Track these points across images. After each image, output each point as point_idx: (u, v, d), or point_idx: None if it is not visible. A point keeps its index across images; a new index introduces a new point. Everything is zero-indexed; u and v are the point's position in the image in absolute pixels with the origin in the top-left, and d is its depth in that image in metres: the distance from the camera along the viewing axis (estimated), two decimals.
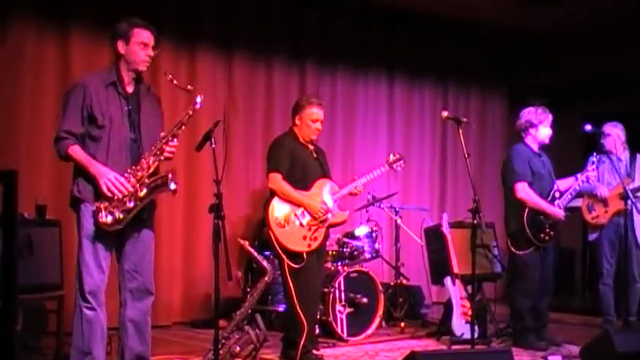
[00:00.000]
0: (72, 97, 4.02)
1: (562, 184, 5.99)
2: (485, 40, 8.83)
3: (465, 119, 5.10)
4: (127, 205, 3.93)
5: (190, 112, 4.07)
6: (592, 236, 6.78)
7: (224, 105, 7.07)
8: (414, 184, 8.37)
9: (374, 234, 6.46)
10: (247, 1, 7.20)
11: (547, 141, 5.93)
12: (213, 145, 3.96)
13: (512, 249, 5.84)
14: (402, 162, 5.60)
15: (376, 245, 6.45)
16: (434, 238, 6.58)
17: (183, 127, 4.08)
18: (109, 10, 6.09)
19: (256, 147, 7.26)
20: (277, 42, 7.43)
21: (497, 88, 9.13)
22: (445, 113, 5.22)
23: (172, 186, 3.93)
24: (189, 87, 4.16)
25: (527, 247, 5.77)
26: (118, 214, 3.92)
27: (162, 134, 4.08)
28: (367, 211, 6.71)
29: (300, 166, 5.12)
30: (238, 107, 7.21)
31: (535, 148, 5.91)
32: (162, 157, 4.02)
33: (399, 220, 6.83)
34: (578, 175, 6.02)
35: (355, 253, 6.32)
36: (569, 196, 5.88)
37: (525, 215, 5.72)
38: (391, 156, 5.62)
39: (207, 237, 6.66)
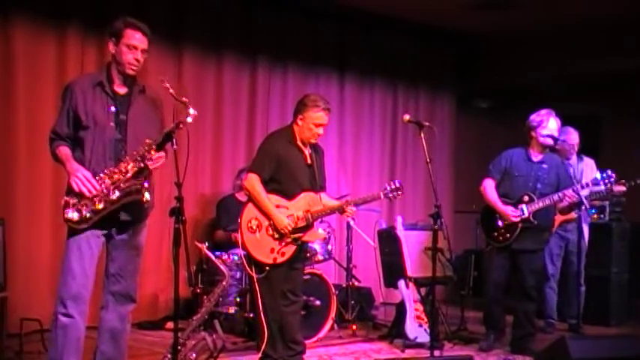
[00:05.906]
0: (63, 99, 3.99)
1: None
2: (436, 42, 8.87)
3: (427, 123, 4.93)
4: (96, 205, 3.82)
5: (181, 126, 3.87)
6: None
7: (173, 104, 6.85)
8: (363, 186, 8.31)
9: (327, 235, 6.39)
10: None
11: (548, 142, 5.65)
12: (175, 147, 3.80)
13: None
14: (399, 192, 5.01)
15: (329, 247, 6.38)
16: (387, 240, 6.54)
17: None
18: (103, 12, 6.10)
19: (205, 148, 7.15)
20: (228, 39, 7.30)
21: (447, 89, 9.17)
22: (407, 117, 4.99)
23: (147, 196, 3.85)
24: (184, 99, 3.93)
25: (488, 244, 5.83)
26: (86, 213, 3.81)
27: (147, 140, 3.89)
28: None
29: (287, 171, 4.83)
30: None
31: (536, 151, 5.70)
32: (142, 165, 3.87)
33: (351, 222, 6.77)
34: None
35: (308, 254, 6.23)
36: (541, 203, 5.59)
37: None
38: (387, 186, 5.05)
39: (154, 237, 6.52)
